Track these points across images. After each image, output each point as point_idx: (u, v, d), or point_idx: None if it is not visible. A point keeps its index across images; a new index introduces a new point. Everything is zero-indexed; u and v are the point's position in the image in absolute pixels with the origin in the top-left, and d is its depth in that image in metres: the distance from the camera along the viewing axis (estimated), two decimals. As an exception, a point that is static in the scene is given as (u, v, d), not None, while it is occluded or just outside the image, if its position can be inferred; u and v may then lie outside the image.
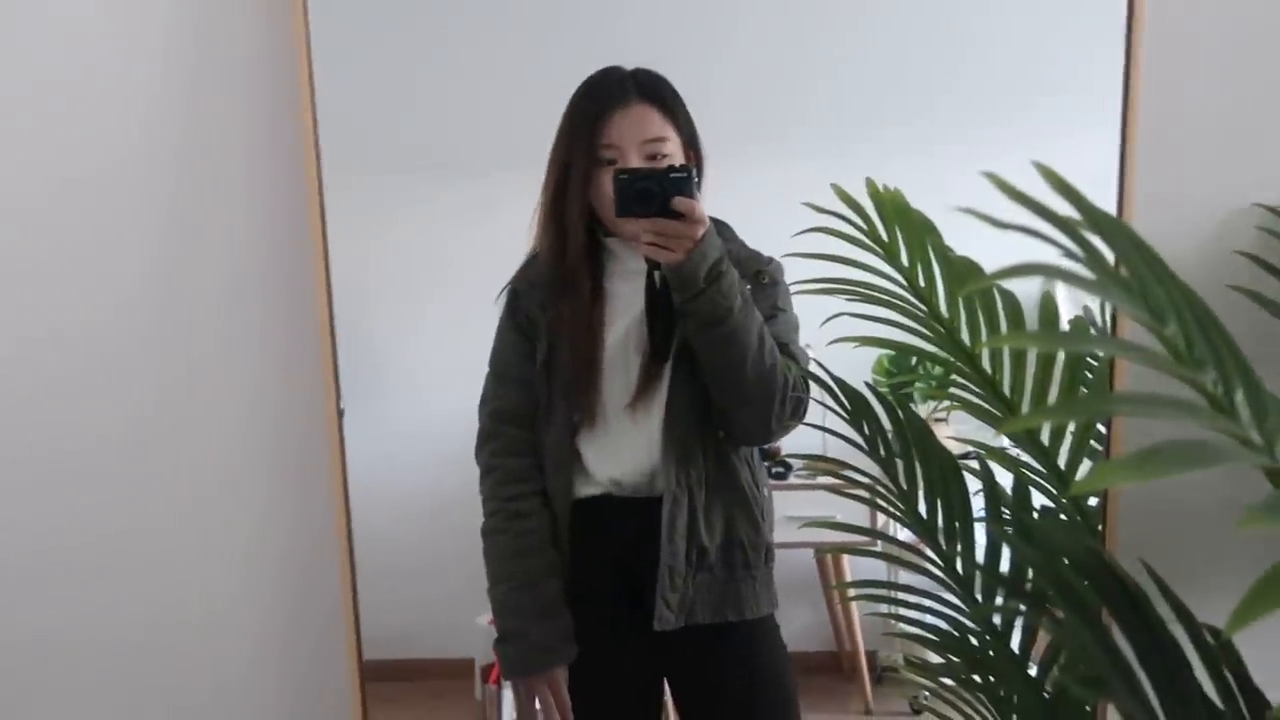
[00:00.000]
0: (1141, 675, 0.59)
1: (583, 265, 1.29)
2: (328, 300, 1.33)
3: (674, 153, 1.25)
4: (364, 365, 3.29)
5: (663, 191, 1.15)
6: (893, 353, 2.17)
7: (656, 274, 1.24)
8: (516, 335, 1.33)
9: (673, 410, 1.26)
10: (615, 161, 1.24)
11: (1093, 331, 1.15)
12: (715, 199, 1.28)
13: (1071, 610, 0.55)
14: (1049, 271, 0.55)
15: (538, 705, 1.25)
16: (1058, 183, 0.62)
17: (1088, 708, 1.03)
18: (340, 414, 1.25)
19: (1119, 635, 0.61)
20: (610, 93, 1.27)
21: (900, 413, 1.11)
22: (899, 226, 1.08)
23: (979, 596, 1.09)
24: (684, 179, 1.16)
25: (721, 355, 1.20)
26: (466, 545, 3.31)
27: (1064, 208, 0.61)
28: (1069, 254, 0.60)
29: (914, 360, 2.26)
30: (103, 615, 1.35)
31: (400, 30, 3.08)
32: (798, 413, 1.24)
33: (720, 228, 1.25)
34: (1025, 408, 1.10)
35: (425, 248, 3.26)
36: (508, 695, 2.93)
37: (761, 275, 1.29)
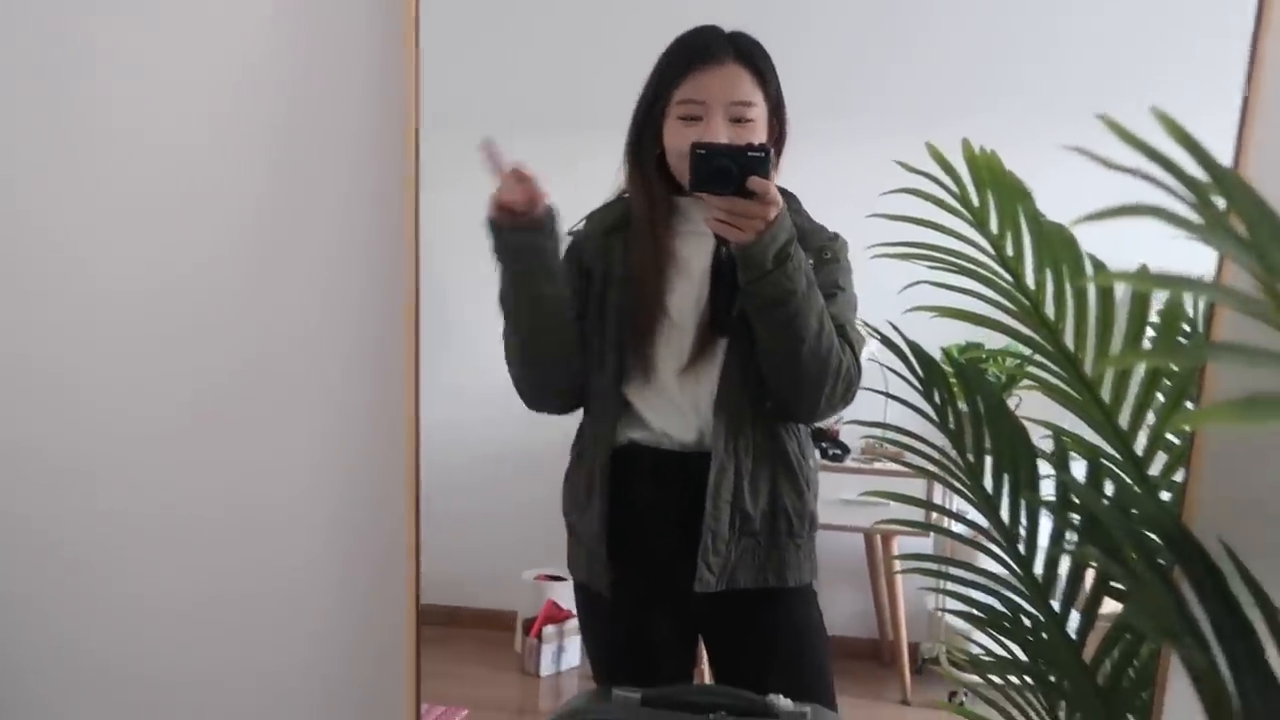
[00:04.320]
0: (1213, 642, 0.56)
1: (655, 218, 1.29)
2: (415, 267, 1.36)
3: (758, 119, 1.24)
4: (436, 319, 3.34)
5: (739, 170, 1.13)
6: (963, 344, 2.14)
7: (724, 250, 1.23)
8: (571, 269, 1.31)
9: (727, 380, 1.25)
10: (699, 118, 1.22)
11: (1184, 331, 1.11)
12: (784, 174, 1.26)
13: (1145, 562, 0.53)
14: (1159, 214, 0.53)
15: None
16: (1176, 131, 0.59)
17: (1142, 696, 0.99)
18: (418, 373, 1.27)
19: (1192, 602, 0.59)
20: (706, 48, 1.25)
21: (974, 381, 1.08)
22: (991, 190, 1.04)
23: (1040, 577, 1.06)
24: (761, 159, 1.14)
25: (780, 336, 1.19)
26: (516, 502, 3.35)
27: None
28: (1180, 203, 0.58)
29: (985, 354, 2.22)
30: (208, 560, 1.48)
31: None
32: (848, 396, 1.23)
33: (787, 199, 1.23)
34: (1106, 393, 1.07)
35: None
36: (547, 649, 2.97)
37: (825, 251, 1.28)
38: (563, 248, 1.32)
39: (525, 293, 1.24)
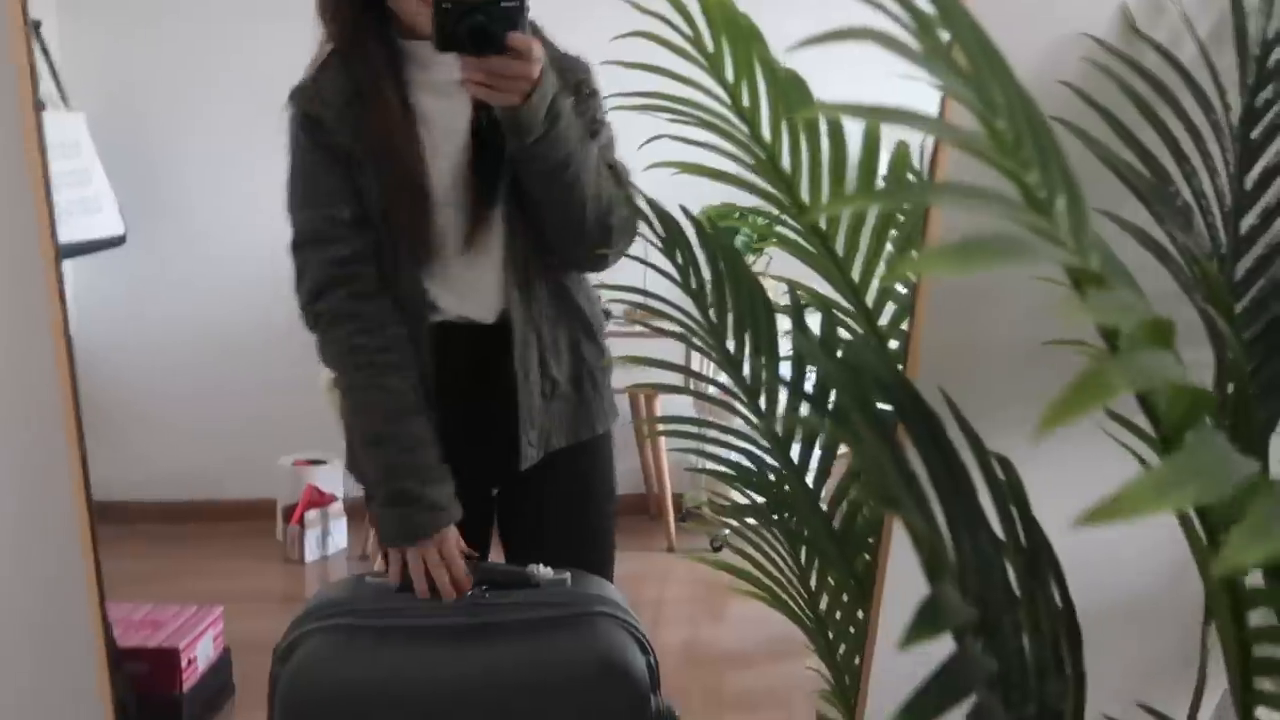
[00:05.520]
0: (932, 497, 0.56)
1: (385, 76, 1.12)
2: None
3: None
4: (142, 182, 2.98)
5: (494, 26, 0.99)
6: (716, 205, 2.14)
7: (483, 114, 1.11)
8: (330, 165, 1.14)
9: (512, 250, 1.16)
10: None
11: (910, 178, 1.12)
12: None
13: (870, 427, 0.51)
14: (877, 38, 0.48)
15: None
16: None
17: (869, 540, 1.04)
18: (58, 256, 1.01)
19: (914, 457, 0.58)
20: None
21: (711, 241, 1.05)
22: (725, 35, 0.99)
23: (779, 431, 1.07)
24: (517, 7, 1.00)
25: (561, 199, 1.10)
26: (267, 385, 3.13)
27: None
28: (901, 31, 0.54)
29: (736, 214, 2.23)
30: None
31: None
32: (630, 233, 1.17)
33: (536, 33, 1.11)
34: (841, 247, 1.07)
35: (196, 51, 2.92)
36: (311, 535, 2.84)
37: (583, 86, 1.17)
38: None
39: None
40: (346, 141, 1.13)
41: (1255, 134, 0.89)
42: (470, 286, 1.19)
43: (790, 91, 0.95)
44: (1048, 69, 0.89)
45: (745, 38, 0.97)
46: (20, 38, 0.95)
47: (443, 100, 1.14)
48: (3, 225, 1.00)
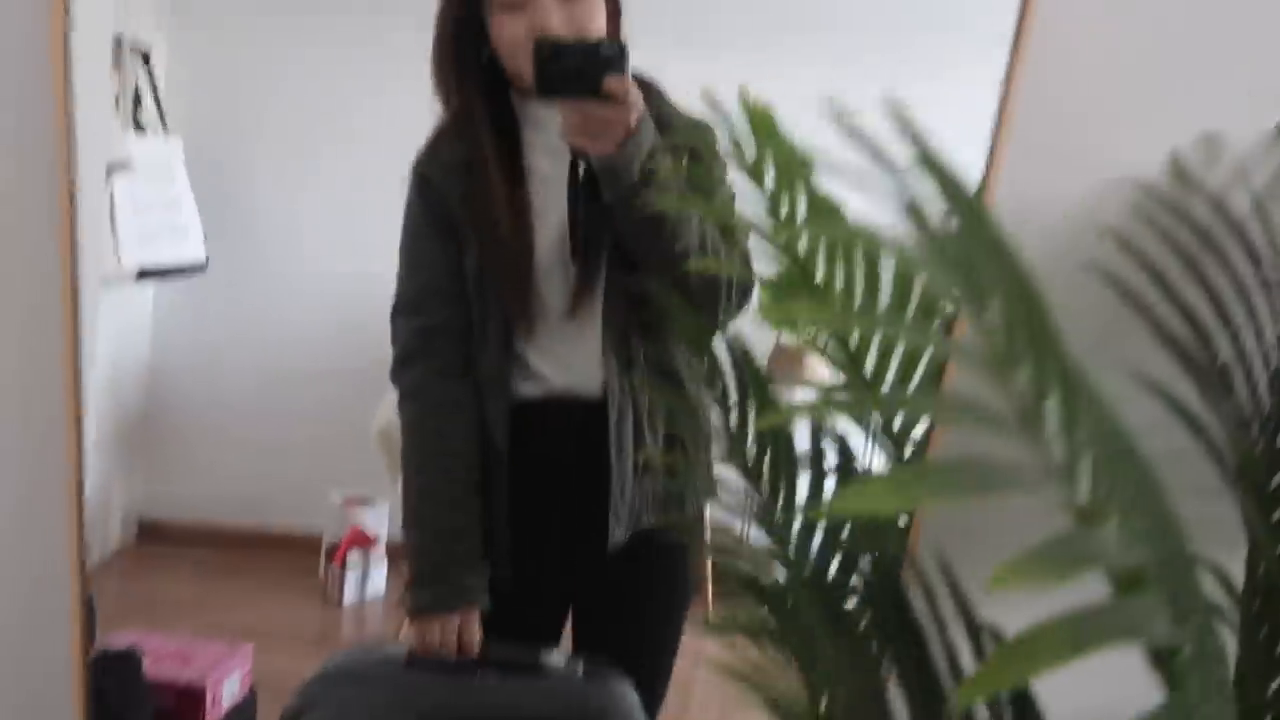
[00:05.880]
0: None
1: (495, 139, 1.13)
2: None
3: (593, 6, 1.09)
4: (237, 211, 3.09)
5: (592, 69, 0.99)
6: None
7: (582, 164, 1.10)
8: (435, 233, 1.16)
9: (610, 312, 1.14)
10: (523, 6, 1.06)
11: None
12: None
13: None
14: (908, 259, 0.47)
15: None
16: (903, 122, 0.54)
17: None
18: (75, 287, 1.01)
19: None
20: None
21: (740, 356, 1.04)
22: (769, 148, 0.98)
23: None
24: (616, 55, 1.00)
25: (659, 253, 1.07)
26: (327, 419, 3.18)
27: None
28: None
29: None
30: None
31: None
32: (746, 298, 1.13)
33: (647, 89, 1.10)
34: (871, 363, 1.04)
35: (322, 88, 3.04)
36: (351, 577, 2.87)
37: (703, 149, 1.14)
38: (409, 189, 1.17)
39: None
40: (454, 205, 1.14)
41: (1310, 293, 0.85)
42: (570, 356, 1.17)
43: (825, 213, 0.94)
44: (1091, 214, 0.86)
45: (787, 155, 0.96)
46: (60, 70, 0.95)
47: (557, 161, 1.15)
48: (27, 252, 1.00)
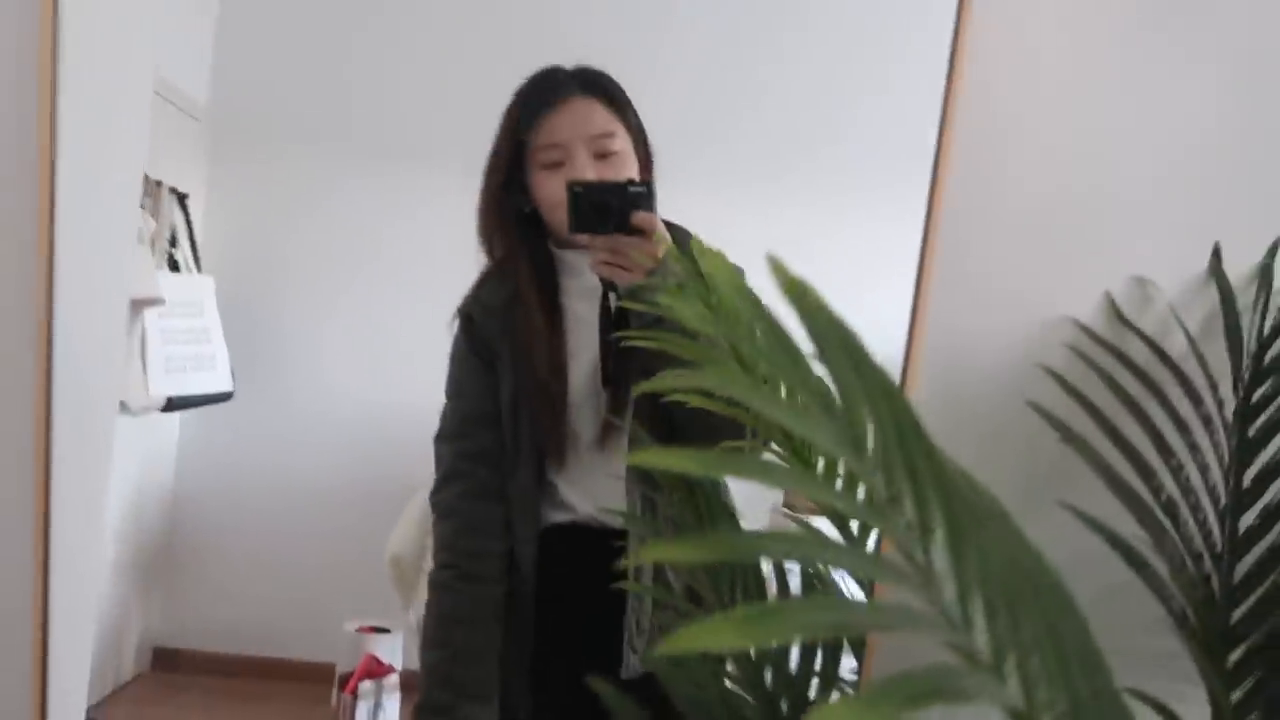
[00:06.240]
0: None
1: (535, 283, 1.20)
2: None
3: (623, 150, 1.17)
4: (266, 344, 3.19)
5: (621, 206, 1.06)
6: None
7: (612, 296, 1.15)
8: (476, 366, 1.22)
9: (636, 442, 1.17)
10: (561, 162, 1.15)
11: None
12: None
13: None
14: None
15: None
16: (781, 276, 0.57)
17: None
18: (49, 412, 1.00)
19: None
20: (551, 88, 1.18)
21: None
22: (730, 297, 1.03)
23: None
24: (644, 193, 1.08)
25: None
26: (344, 549, 3.21)
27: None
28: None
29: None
30: None
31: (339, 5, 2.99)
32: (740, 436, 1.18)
33: (677, 235, 1.15)
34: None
35: (350, 232, 3.19)
36: (363, 707, 2.84)
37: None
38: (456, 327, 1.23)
39: None
40: (494, 341, 1.20)
41: (1253, 431, 0.86)
42: (596, 486, 1.20)
43: (781, 356, 0.98)
44: (1030, 353, 0.89)
45: (749, 302, 1.00)
46: (46, 112, 0.97)
47: (590, 304, 1.20)
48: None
